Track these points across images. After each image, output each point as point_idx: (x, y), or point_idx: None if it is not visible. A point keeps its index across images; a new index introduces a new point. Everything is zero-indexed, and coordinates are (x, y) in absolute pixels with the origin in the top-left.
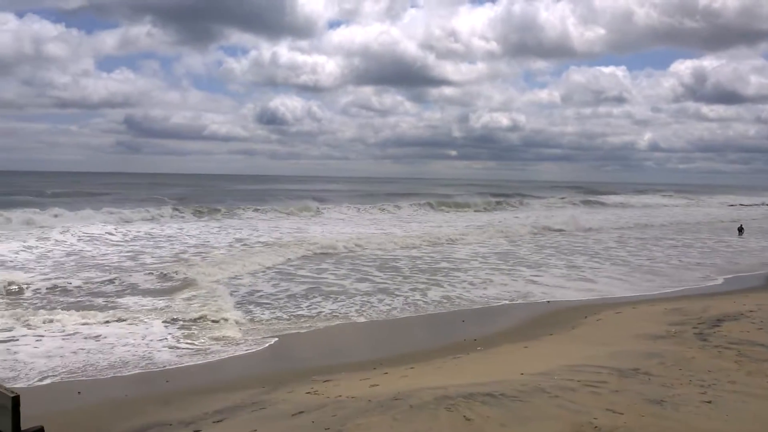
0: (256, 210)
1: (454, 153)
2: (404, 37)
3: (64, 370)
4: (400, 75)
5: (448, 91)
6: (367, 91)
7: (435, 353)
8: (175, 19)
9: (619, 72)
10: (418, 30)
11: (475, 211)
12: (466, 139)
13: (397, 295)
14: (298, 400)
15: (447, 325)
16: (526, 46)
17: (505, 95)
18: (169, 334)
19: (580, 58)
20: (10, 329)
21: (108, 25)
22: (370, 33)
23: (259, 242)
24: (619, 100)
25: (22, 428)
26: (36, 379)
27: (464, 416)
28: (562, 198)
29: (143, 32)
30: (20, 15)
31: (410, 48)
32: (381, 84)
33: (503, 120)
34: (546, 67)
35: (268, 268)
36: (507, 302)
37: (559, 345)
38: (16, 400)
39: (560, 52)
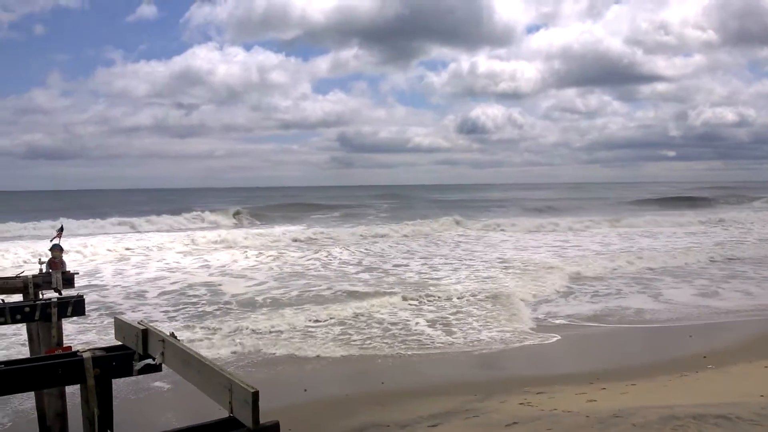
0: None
1: (671, 153)
2: (608, 34)
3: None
4: (606, 74)
5: (660, 87)
6: (570, 94)
7: (658, 369)
8: (379, 40)
9: None
10: (622, 26)
11: None
12: (685, 138)
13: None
14: (511, 410)
15: (671, 340)
16: (749, 32)
17: (728, 88)
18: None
19: None
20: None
21: (320, 51)
22: (570, 34)
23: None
24: None
25: (261, 422)
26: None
27: None
28: None
29: (351, 55)
30: (247, 48)
31: (615, 45)
32: (585, 85)
33: (728, 115)
34: None
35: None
36: (740, 317)
37: None
38: (255, 396)
39: None
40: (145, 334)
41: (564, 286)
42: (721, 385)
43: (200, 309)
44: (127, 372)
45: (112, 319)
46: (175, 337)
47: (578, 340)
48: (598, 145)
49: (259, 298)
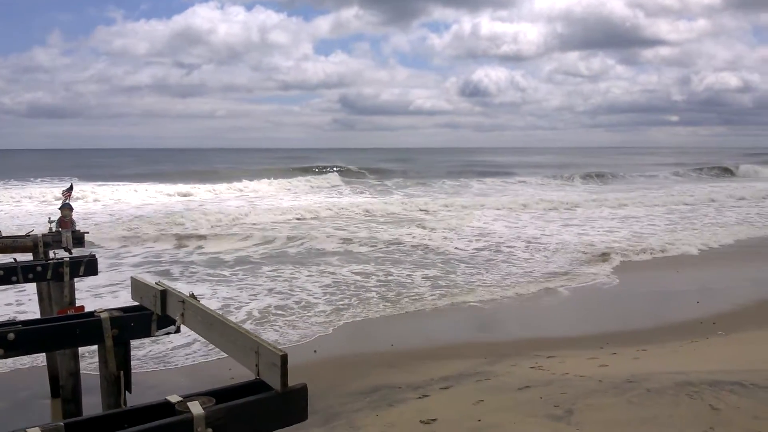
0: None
1: (675, 119)
2: None
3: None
4: (608, 37)
5: (664, 51)
6: (573, 57)
7: (668, 335)
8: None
9: None
10: None
11: None
12: (688, 102)
13: None
14: (522, 374)
15: (678, 305)
16: None
17: (731, 53)
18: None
19: None
20: None
21: (322, 11)
22: None
23: None
24: None
25: (289, 384)
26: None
27: (710, 405)
28: None
29: (352, 14)
30: (249, 7)
31: (617, 7)
32: (588, 48)
33: (731, 80)
34: None
35: None
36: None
37: None
38: (284, 358)
39: None
40: (164, 294)
41: None
42: (732, 351)
43: None
44: (146, 333)
45: None
46: (196, 298)
47: (583, 301)
48: (602, 110)
49: None
